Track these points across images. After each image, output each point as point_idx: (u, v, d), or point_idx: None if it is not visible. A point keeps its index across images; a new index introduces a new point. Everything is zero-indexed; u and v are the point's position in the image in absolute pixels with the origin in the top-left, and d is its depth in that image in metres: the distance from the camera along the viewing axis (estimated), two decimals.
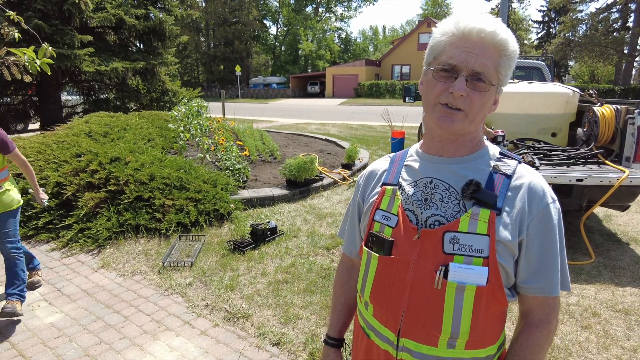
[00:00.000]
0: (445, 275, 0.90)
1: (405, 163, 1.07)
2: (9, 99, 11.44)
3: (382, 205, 1.04)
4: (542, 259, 0.92)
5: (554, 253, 0.93)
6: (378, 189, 1.08)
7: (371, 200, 1.09)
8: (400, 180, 1.05)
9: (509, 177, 0.94)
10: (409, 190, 1.01)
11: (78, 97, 13.24)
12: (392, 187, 1.04)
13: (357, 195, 1.17)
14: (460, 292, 0.90)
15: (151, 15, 10.81)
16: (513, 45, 0.91)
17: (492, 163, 0.97)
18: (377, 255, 1.01)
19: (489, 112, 0.96)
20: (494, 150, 1.01)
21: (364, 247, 1.06)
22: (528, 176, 0.95)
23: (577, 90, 4.77)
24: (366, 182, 1.15)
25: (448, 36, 0.91)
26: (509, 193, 0.93)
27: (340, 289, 1.27)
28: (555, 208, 0.93)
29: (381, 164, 1.14)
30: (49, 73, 2.30)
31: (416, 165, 1.04)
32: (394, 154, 1.14)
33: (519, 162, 0.98)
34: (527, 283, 0.94)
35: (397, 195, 1.02)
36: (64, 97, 13.29)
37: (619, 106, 3.99)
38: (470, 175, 0.95)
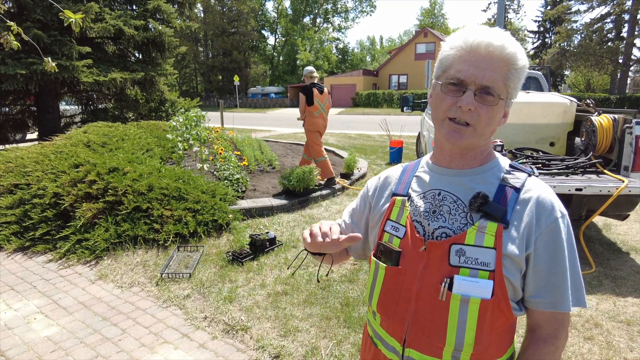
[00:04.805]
0: (450, 287, 0.90)
1: (416, 174, 1.08)
2: (7, 109, 11.40)
3: (392, 216, 1.05)
4: (551, 273, 0.91)
5: (563, 268, 0.91)
6: (388, 198, 1.09)
7: (382, 209, 1.09)
8: (410, 191, 1.05)
9: (517, 190, 0.93)
10: (418, 201, 1.02)
11: (76, 107, 13.22)
12: (401, 197, 1.05)
13: (367, 198, 1.17)
14: (464, 305, 0.89)
15: (150, 26, 10.85)
16: (522, 59, 0.90)
17: (502, 176, 0.96)
18: (385, 265, 1.01)
19: (498, 126, 0.96)
20: (504, 162, 1.00)
21: (372, 257, 1.07)
22: (537, 189, 0.93)
23: (575, 100, 4.80)
24: (381, 187, 1.14)
25: (456, 50, 0.91)
26: (518, 206, 0.92)
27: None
28: (564, 223, 0.92)
29: (394, 172, 1.14)
30: None
31: (426, 176, 1.04)
32: (407, 163, 1.14)
33: (529, 175, 0.97)
34: (535, 297, 0.93)
35: (405, 206, 1.03)
36: (62, 107, 13.24)
37: (616, 116, 4.02)
38: (479, 187, 0.95)
